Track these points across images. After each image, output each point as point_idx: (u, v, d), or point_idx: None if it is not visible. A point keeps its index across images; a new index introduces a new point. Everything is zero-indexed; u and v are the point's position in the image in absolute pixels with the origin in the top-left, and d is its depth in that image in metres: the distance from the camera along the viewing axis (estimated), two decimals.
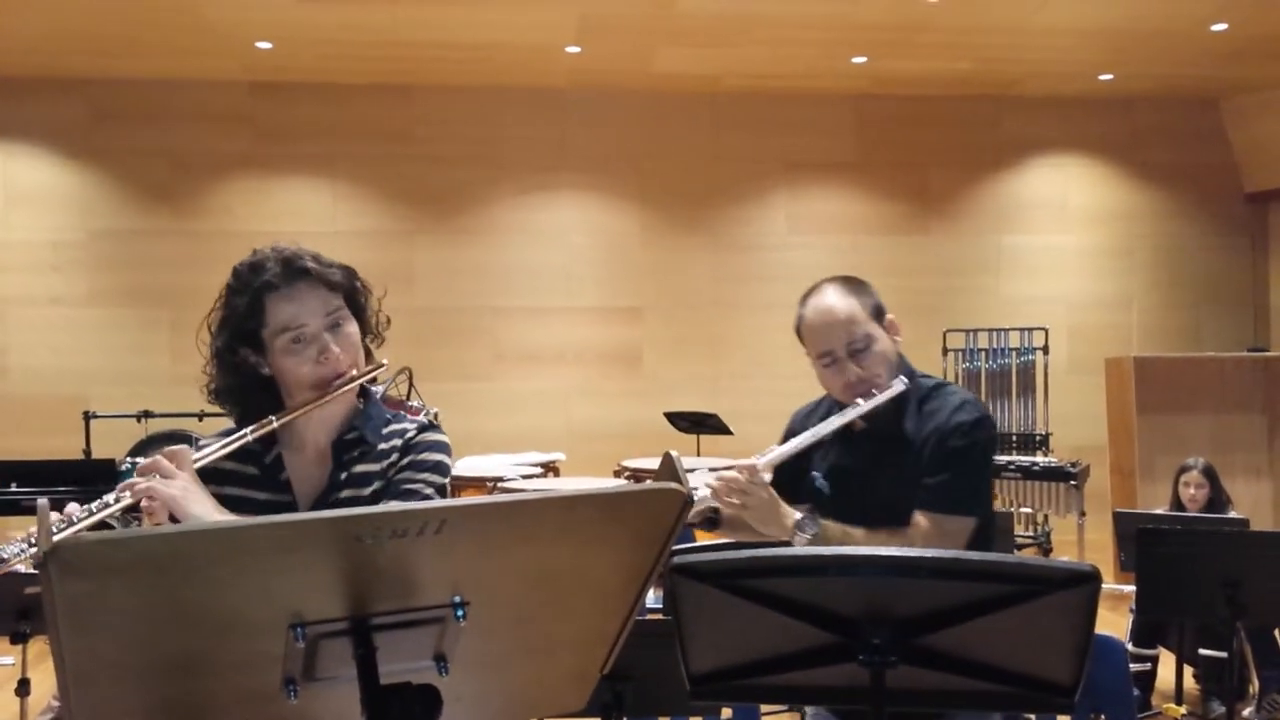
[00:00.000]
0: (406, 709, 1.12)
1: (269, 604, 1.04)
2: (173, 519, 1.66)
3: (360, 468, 1.80)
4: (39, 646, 3.89)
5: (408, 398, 4.50)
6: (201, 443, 1.77)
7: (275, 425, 1.73)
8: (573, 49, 7.27)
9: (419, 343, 7.88)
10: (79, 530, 1.55)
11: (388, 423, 1.85)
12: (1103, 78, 8.14)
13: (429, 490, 1.78)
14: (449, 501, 1.05)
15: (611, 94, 8.29)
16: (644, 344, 8.40)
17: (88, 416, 7.09)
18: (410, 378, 4.71)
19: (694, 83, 8.13)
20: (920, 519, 2.06)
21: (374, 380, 1.89)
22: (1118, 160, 8.84)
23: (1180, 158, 8.85)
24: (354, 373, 1.77)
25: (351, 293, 1.81)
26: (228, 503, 1.70)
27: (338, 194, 8.16)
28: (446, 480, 1.82)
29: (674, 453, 1.17)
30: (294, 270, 1.74)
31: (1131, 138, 8.85)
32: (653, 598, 3.11)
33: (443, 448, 1.84)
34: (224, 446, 1.71)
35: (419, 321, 8.09)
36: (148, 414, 7.02)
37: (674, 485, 1.12)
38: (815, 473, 2.24)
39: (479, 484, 5.54)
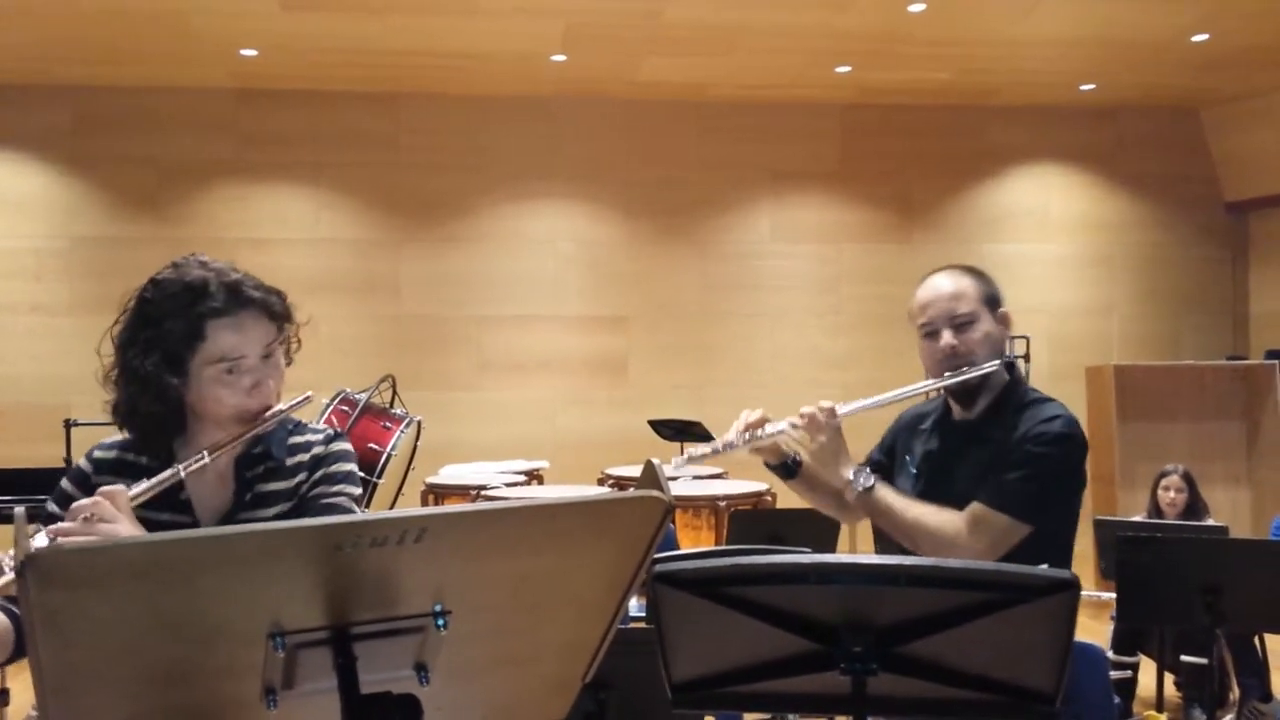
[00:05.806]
0: (387, 719, 1.11)
1: (248, 613, 1.03)
2: None
3: (265, 487, 1.76)
4: None
5: (391, 405, 4.47)
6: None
7: (207, 460, 1.67)
8: (558, 58, 7.28)
9: (404, 351, 7.88)
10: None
11: (289, 434, 1.81)
12: (1084, 88, 8.20)
13: (347, 502, 1.76)
14: (430, 509, 1.04)
15: (597, 103, 8.29)
16: (629, 353, 8.40)
17: (69, 425, 7.03)
18: (394, 385, 4.68)
19: (680, 92, 8.15)
20: (972, 506, 2.09)
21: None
22: (1099, 169, 8.90)
23: (1161, 167, 8.91)
24: (280, 405, 1.74)
25: (285, 321, 1.78)
26: None
27: (323, 202, 8.14)
28: (360, 490, 1.80)
29: (656, 460, 1.17)
30: (240, 299, 1.70)
31: (1113, 147, 8.91)
32: (635, 606, 3.11)
33: (351, 457, 1.82)
34: (159, 484, 1.65)
35: (404, 329, 8.09)
36: None
37: (655, 493, 1.12)
38: (909, 458, 2.31)
39: (462, 491, 5.52)
